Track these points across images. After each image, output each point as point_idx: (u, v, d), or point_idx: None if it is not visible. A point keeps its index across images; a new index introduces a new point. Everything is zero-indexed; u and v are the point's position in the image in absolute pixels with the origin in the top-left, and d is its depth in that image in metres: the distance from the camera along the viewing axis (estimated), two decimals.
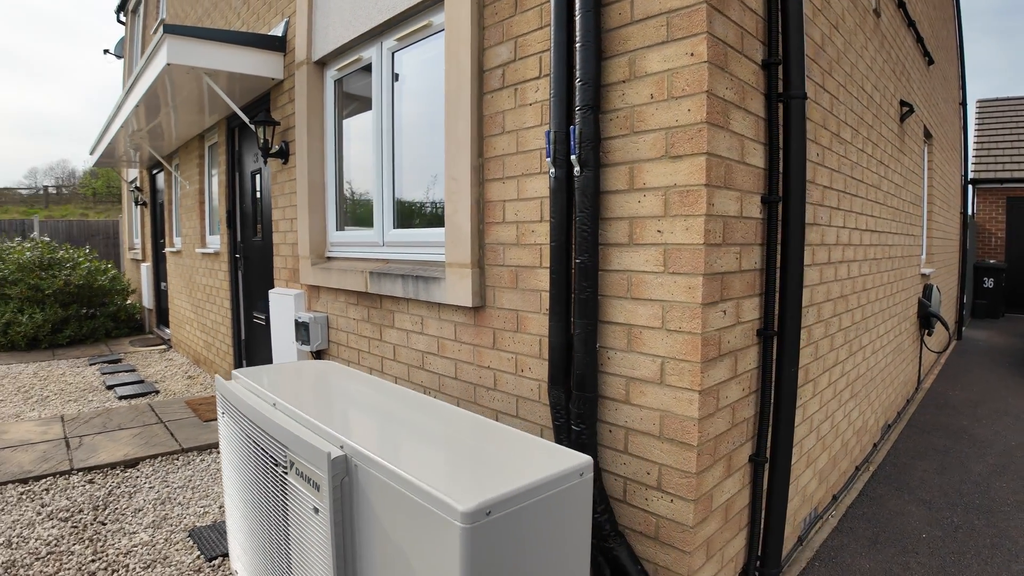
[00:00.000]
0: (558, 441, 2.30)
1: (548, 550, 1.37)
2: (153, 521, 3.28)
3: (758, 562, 2.45)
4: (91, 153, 8.00)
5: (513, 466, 1.44)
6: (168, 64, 3.99)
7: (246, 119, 4.65)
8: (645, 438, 2.13)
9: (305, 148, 4.16)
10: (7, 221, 12.66)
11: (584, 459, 1.47)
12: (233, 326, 6.15)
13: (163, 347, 8.52)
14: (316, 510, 1.58)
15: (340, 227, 4.16)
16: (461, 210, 2.74)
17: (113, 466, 3.97)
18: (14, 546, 2.98)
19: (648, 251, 2.06)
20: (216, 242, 6.66)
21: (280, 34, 4.51)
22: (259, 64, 4.41)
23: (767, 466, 2.39)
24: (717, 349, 2.05)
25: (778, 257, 2.31)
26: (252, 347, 5.96)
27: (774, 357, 2.35)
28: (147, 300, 10.02)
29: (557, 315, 2.25)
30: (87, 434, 4.49)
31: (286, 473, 1.73)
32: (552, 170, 2.20)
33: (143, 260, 10.48)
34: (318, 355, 4.24)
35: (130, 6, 11.62)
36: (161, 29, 3.97)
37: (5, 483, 3.64)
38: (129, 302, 9.98)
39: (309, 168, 4.15)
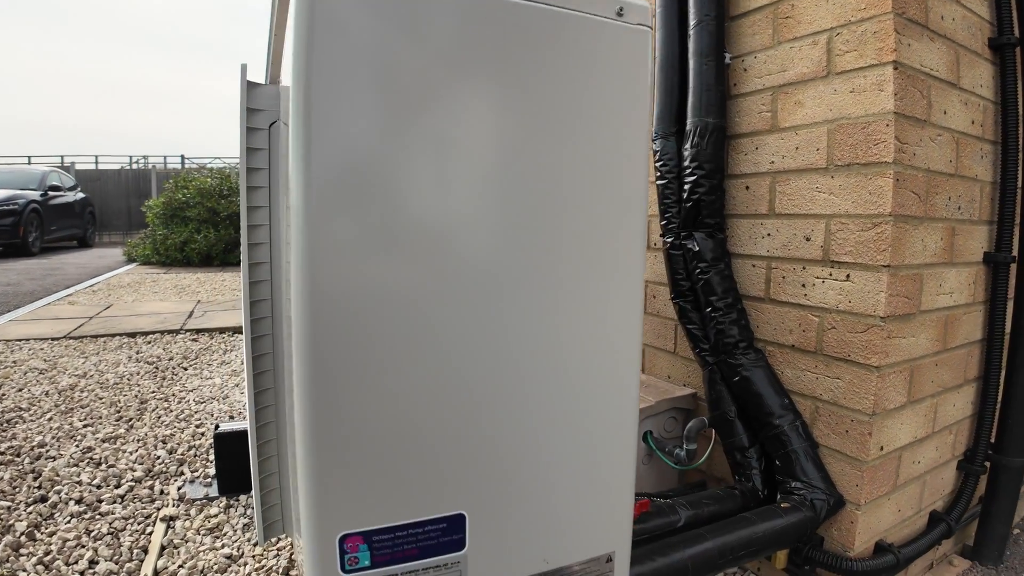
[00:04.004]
0: None
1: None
2: (235, 370, 3.03)
3: (990, 446, 1.46)
4: None
5: None
6: None
7: None
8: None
9: None
10: None
11: None
12: None
13: None
14: None
15: None
16: None
17: (223, 330, 3.85)
18: (87, 376, 2.85)
19: None
20: None
21: None
22: None
23: None
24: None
25: None
26: None
27: None
28: None
29: None
30: (213, 310, 4.49)
31: None
32: None
33: None
34: None
35: None
36: None
37: (113, 335, 3.65)
38: None
39: None
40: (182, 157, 19.48)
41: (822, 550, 1.19)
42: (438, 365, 0.66)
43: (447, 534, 0.67)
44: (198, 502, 1.77)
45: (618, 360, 0.77)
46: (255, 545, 1.59)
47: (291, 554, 1.54)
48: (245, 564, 1.50)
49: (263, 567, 1.49)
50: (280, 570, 1.48)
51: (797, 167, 1.29)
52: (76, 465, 1.93)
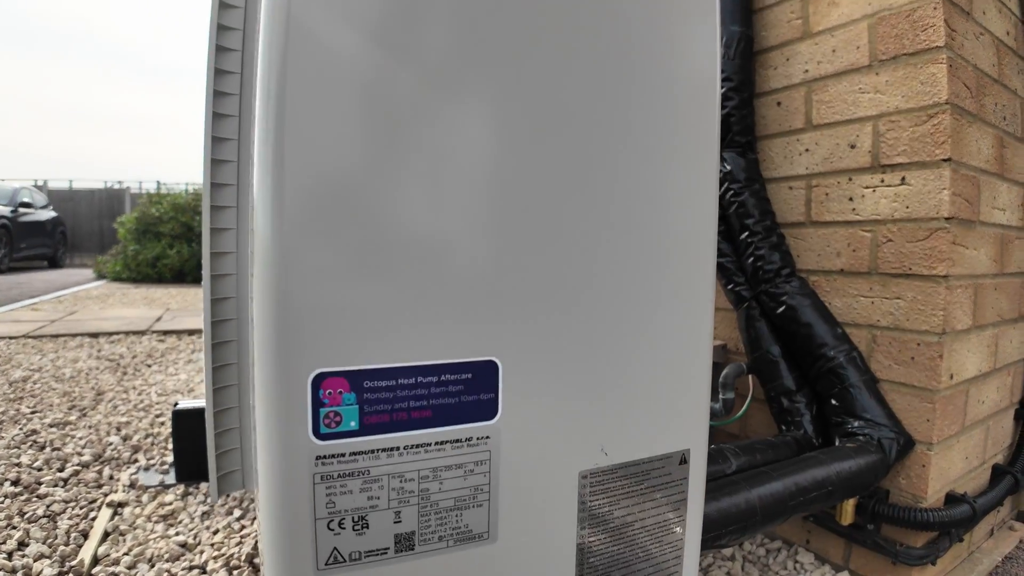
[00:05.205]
0: None
1: None
2: (203, 367, 2.80)
3: None
4: None
5: None
6: None
7: None
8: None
9: None
10: None
11: None
12: None
13: None
14: None
15: None
16: None
17: (192, 332, 3.61)
18: (42, 370, 2.60)
19: None
20: None
21: None
22: None
23: None
24: None
25: None
26: None
27: None
28: None
29: None
30: (181, 316, 4.24)
31: None
32: None
33: None
34: None
35: None
36: None
37: (74, 335, 3.39)
38: None
39: None
40: (158, 183, 19.14)
41: (888, 504, 1.01)
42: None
43: (472, 390, 0.48)
44: (152, 489, 1.55)
45: (696, 229, 0.60)
46: (215, 533, 1.37)
47: (256, 541, 1.32)
48: (201, 552, 1.28)
49: (222, 555, 1.27)
50: (242, 557, 1.26)
51: (836, 71, 1.14)
52: (17, 447, 1.70)
